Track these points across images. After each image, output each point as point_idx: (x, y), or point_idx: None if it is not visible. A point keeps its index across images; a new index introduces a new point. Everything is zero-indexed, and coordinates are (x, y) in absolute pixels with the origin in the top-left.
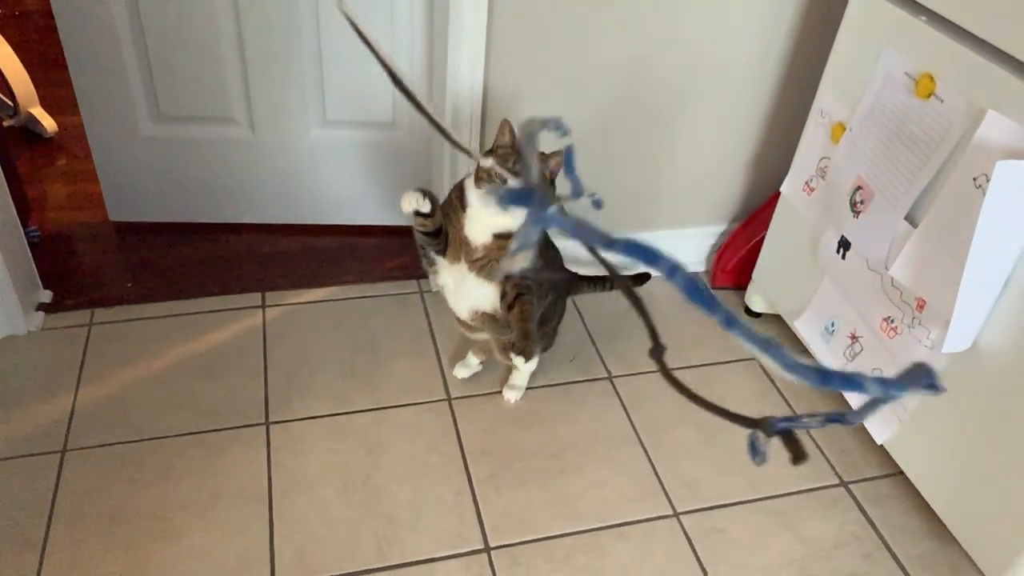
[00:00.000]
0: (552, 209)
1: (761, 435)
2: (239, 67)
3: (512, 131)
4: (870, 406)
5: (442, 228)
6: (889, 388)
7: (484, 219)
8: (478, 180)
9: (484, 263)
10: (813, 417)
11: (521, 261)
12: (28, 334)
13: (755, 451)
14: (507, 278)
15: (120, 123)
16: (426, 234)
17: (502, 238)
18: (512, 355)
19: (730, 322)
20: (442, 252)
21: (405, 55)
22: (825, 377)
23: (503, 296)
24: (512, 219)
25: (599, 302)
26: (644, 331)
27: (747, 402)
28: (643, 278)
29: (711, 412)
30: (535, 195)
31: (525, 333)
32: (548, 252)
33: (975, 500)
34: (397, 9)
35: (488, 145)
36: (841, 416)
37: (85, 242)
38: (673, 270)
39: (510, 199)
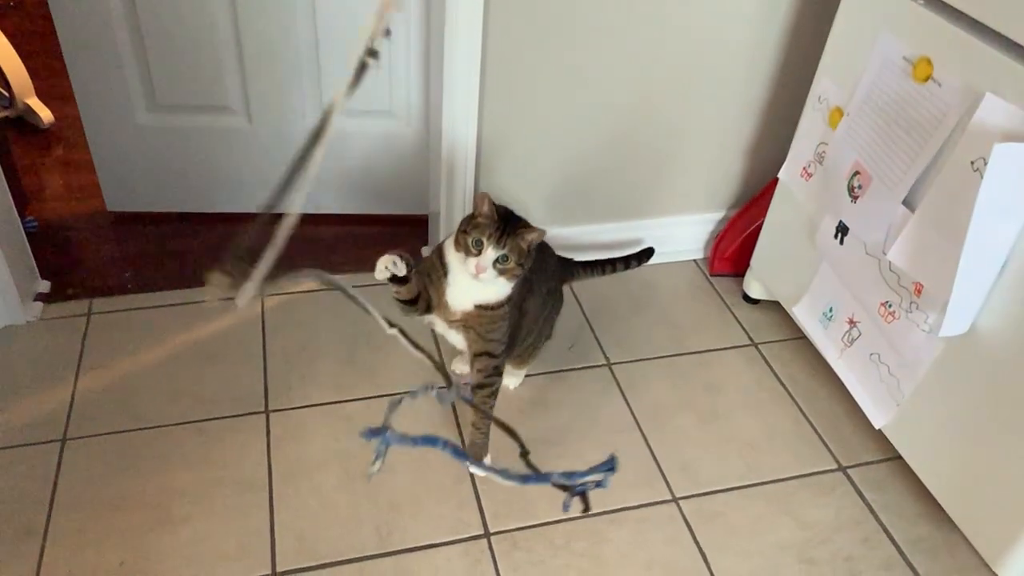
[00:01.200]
0: (390, 433)
1: (568, 495)
2: (235, 55)
3: (490, 202)
4: (601, 479)
5: (419, 296)
6: (572, 477)
7: (466, 287)
8: (456, 244)
9: (463, 325)
10: (593, 480)
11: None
12: (27, 324)
13: (565, 505)
14: (479, 355)
15: (117, 113)
16: (402, 302)
17: (484, 309)
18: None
19: (480, 466)
20: (425, 313)
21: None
22: (525, 479)
23: (472, 369)
24: (496, 291)
25: (597, 289)
26: (643, 319)
27: (745, 388)
28: (647, 254)
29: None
30: (385, 429)
31: (474, 438)
32: (540, 261)
33: (973, 484)
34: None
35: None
36: (601, 482)
37: (83, 232)
38: (444, 444)
39: (369, 434)
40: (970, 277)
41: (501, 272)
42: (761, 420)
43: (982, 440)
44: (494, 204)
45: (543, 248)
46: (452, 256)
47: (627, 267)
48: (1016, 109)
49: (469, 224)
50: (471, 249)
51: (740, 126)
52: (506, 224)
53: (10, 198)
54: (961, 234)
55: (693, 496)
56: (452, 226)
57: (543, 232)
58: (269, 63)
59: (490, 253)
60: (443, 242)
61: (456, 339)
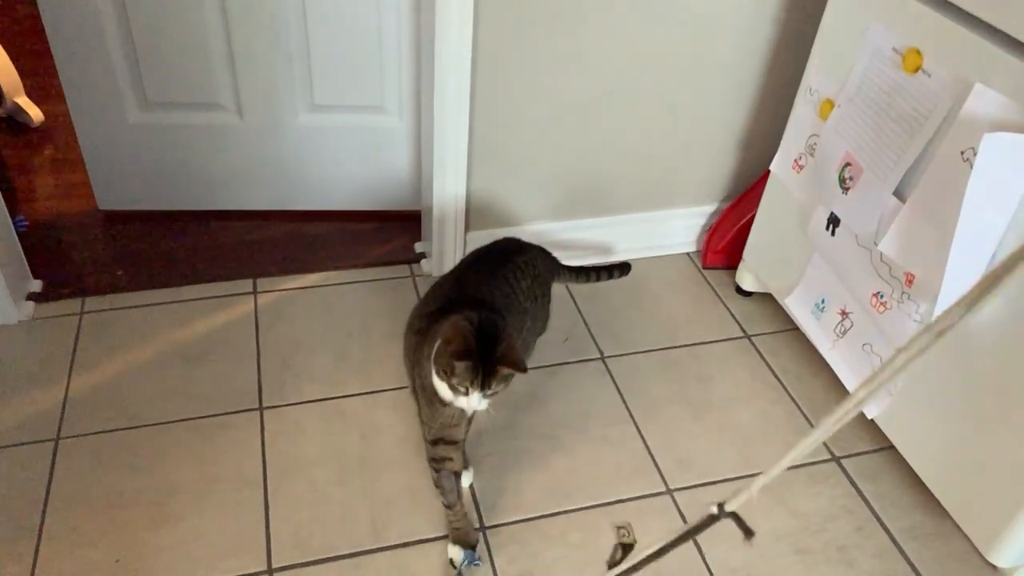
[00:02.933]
0: None
1: None
2: (225, 52)
3: (464, 358)
4: None
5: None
6: None
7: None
8: (439, 375)
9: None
10: None
11: None
12: (19, 324)
13: None
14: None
15: (107, 111)
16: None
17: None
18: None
19: None
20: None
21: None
22: None
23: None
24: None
25: (592, 283)
26: (637, 312)
27: (739, 380)
28: (625, 268)
29: None
30: None
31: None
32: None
33: (965, 473)
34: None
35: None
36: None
37: (74, 231)
38: None
39: None
40: (960, 267)
41: (492, 396)
42: (754, 411)
43: (973, 429)
44: (468, 344)
45: (527, 263)
46: (446, 391)
47: (610, 277)
48: (1005, 99)
49: (450, 369)
50: (458, 389)
51: (732, 119)
52: (485, 363)
53: (0, 198)
54: (951, 224)
55: (687, 488)
56: (444, 224)
57: (525, 369)
58: (260, 59)
59: (477, 394)
60: (427, 378)
61: None
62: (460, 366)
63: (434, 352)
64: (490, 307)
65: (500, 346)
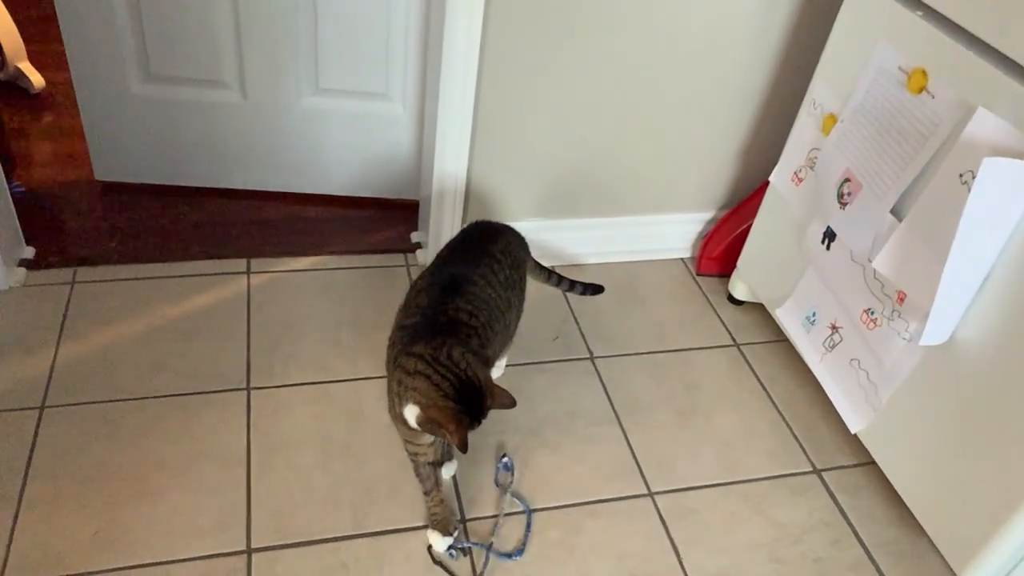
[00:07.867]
0: None
1: None
2: (232, 29)
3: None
4: None
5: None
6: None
7: None
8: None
9: None
10: None
11: None
12: (10, 289)
13: None
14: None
15: (109, 81)
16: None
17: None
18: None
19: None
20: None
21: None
22: None
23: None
24: None
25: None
26: (628, 315)
27: (725, 387)
28: (597, 289)
29: None
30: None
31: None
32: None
33: (944, 492)
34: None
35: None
36: None
37: (70, 200)
38: None
39: None
40: (953, 288)
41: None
42: (739, 420)
43: (955, 450)
44: (463, 435)
45: (503, 251)
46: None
47: (570, 289)
48: (1006, 124)
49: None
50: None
51: (734, 127)
52: (477, 417)
53: None
54: (946, 245)
55: (668, 492)
56: (442, 214)
57: (515, 403)
58: (267, 40)
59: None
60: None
61: None
62: (461, 447)
63: (418, 420)
64: (465, 328)
65: (487, 396)
